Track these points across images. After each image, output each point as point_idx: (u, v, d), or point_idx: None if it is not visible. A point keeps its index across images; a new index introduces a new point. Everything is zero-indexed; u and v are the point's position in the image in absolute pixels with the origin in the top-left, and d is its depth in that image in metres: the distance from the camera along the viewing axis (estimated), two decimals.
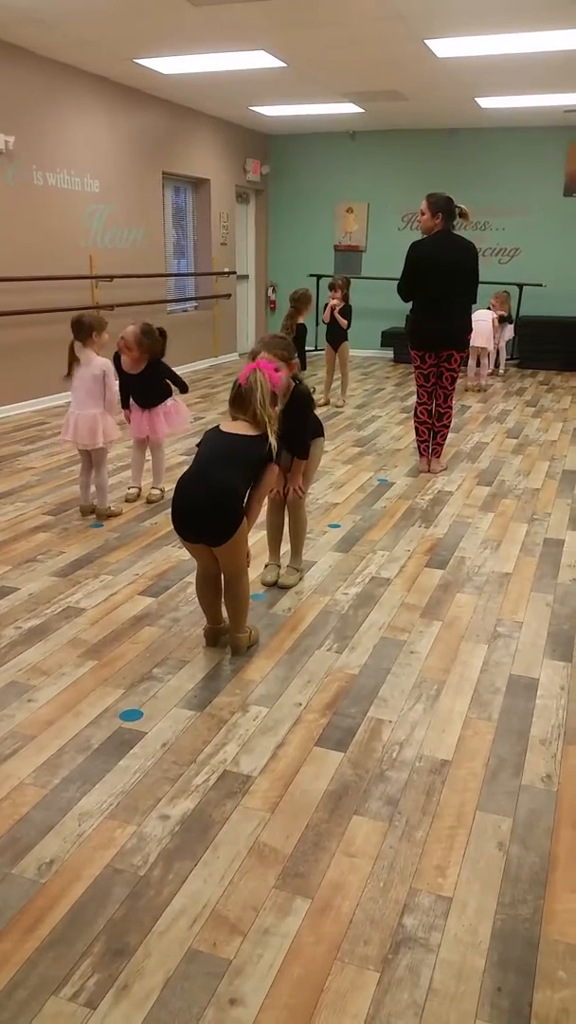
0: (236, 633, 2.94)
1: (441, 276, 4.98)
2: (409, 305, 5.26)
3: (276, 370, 2.94)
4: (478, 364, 8.66)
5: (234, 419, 2.87)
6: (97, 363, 4.17)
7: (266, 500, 3.50)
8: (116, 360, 4.42)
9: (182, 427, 4.81)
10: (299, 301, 6.45)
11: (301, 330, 6.49)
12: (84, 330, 4.15)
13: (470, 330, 5.28)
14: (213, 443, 2.84)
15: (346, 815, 2.13)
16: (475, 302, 5.20)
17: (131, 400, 4.58)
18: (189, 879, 1.90)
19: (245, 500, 2.81)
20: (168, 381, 4.56)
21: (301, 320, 6.49)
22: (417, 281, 5.07)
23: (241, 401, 2.84)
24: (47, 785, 2.22)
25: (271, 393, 2.84)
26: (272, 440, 2.82)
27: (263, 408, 2.79)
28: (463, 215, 5.04)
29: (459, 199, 5.08)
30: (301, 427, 3.33)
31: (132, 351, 4.33)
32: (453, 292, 5.02)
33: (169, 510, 2.87)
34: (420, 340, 5.22)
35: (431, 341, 5.17)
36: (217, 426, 2.90)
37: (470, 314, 5.22)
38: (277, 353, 3.11)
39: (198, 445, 2.90)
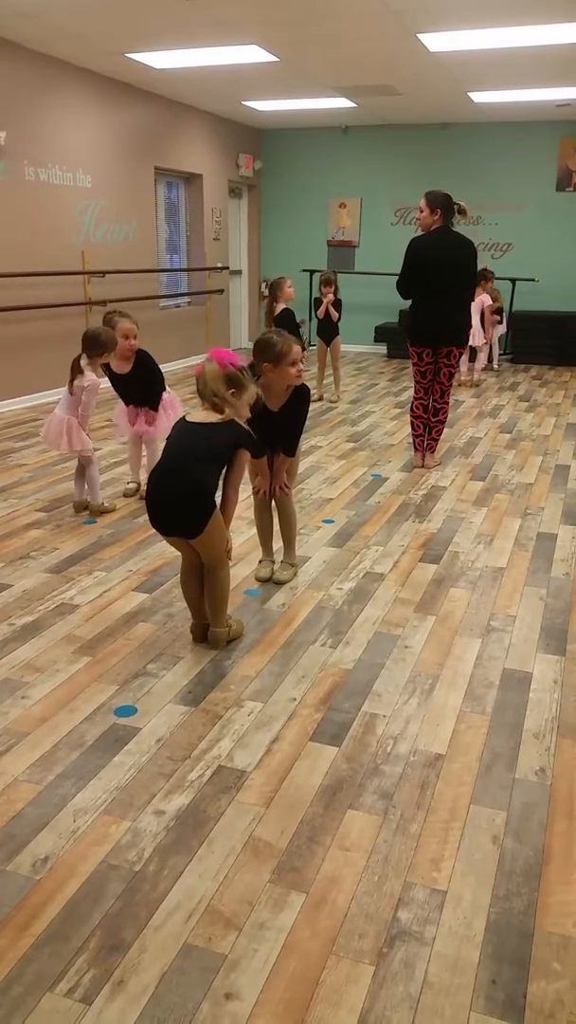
0: (214, 627, 2.94)
1: (441, 272, 4.96)
2: (406, 301, 5.26)
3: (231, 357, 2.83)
4: (472, 359, 8.66)
5: (204, 408, 2.83)
6: (85, 379, 4.10)
7: (254, 499, 3.52)
8: (106, 367, 4.36)
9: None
10: (273, 287, 6.59)
11: (287, 314, 6.52)
12: (98, 348, 4.08)
13: (470, 326, 5.27)
14: (181, 435, 2.80)
15: (341, 809, 2.13)
16: (473, 299, 5.19)
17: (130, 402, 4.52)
18: (184, 874, 1.90)
19: (218, 489, 2.78)
20: (149, 376, 4.47)
21: (281, 305, 6.55)
22: (416, 277, 5.04)
23: (202, 394, 2.80)
24: (42, 781, 2.21)
25: (224, 376, 2.73)
26: (243, 424, 2.79)
27: (223, 399, 2.72)
28: (461, 211, 5.03)
29: (452, 194, 5.07)
30: (298, 424, 3.33)
31: (137, 338, 4.26)
32: (452, 288, 5.01)
33: None
34: (419, 336, 5.20)
35: (431, 337, 5.15)
36: (183, 416, 2.86)
37: (470, 310, 5.22)
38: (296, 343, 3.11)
39: (168, 438, 2.88)
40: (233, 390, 2.76)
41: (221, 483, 2.86)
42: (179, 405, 4.69)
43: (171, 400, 4.60)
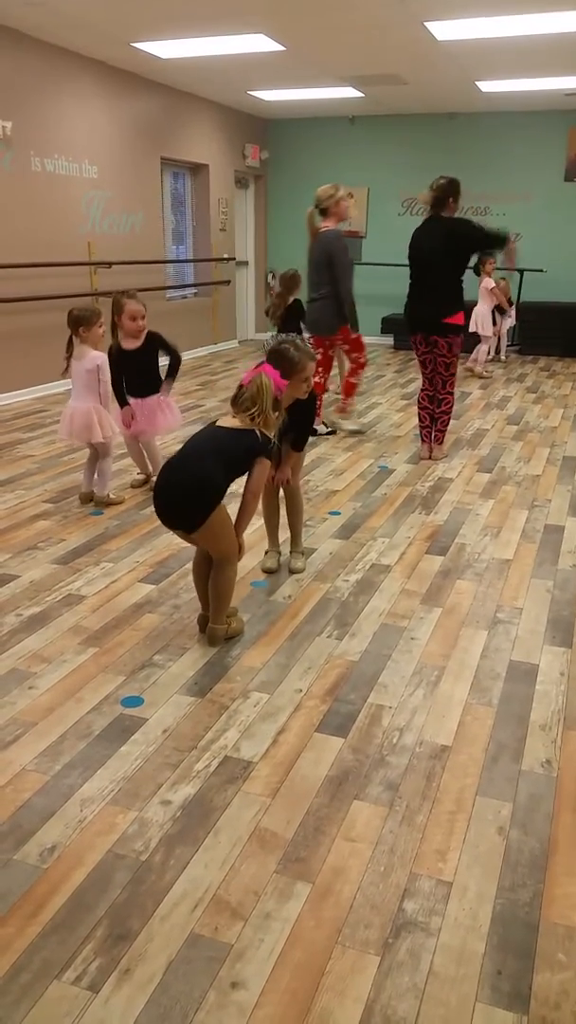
0: (212, 624, 2.93)
1: (419, 260, 5.15)
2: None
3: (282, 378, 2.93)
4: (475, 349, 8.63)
5: (234, 416, 2.87)
6: (90, 357, 4.13)
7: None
8: (116, 346, 4.34)
9: (176, 423, 4.66)
10: (291, 281, 6.52)
11: (296, 306, 6.51)
12: (72, 324, 4.13)
13: (446, 315, 5.12)
14: (201, 434, 2.86)
15: (346, 800, 2.13)
16: (458, 283, 5.11)
17: (125, 394, 4.42)
18: (190, 864, 1.91)
19: (227, 490, 2.78)
20: (165, 353, 4.42)
21: (292, 297, 6.54)
22: (410, 266, 5.25)
23: (240, 400, 2.83)
24: (49, 771, 2.22)
25: (274, 399, 2.82)
26: (267, 434, 2.82)
27: (262, 412, 2.78)
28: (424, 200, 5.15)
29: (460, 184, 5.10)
30: (307, 421, 3.34)
31: (145, 319, 4.25)
32: (427, 277, 5.13)
33: None
34: (407, 325, 5.43)
35: (411, 325, 5.35)
36: (214, 420, 2.90)
37: (448, 299, 5.12)
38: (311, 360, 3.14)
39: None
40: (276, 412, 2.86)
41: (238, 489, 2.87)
42: (175, 406, 4.62)
43: (168, 403, 4.54)
